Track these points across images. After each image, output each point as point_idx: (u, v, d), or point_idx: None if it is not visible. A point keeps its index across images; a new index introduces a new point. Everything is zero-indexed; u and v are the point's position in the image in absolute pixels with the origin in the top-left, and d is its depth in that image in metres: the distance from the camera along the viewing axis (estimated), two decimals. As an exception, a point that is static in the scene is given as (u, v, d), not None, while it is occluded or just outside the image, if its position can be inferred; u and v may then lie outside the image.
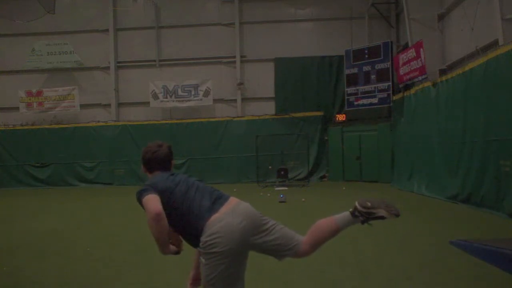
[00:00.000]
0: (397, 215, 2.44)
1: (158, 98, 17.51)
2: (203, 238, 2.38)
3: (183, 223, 2.49)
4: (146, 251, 5.49)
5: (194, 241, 2.46)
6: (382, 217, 2.46)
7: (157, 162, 2.72)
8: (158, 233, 2.34)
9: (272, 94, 17.66)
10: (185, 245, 2.63)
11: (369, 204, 2.46)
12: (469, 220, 7.72)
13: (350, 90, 16.07)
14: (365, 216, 2.47)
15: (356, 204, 2.48)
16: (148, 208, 2.34)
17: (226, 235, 2.35)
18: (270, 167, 16.01)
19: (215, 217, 2.42)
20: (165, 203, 2.48)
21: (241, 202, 2.56)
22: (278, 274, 4.51)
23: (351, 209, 2.51)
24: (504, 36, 8.65)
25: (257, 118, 17.29)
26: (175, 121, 17.40)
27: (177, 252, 2.56)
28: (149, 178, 2.71)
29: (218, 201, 2.53)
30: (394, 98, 14.66)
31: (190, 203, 2.50)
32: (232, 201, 2.55)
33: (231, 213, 2.45)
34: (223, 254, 2.34)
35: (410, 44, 13.04)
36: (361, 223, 2.50)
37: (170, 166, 2.77)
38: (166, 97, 17.49)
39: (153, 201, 2.36)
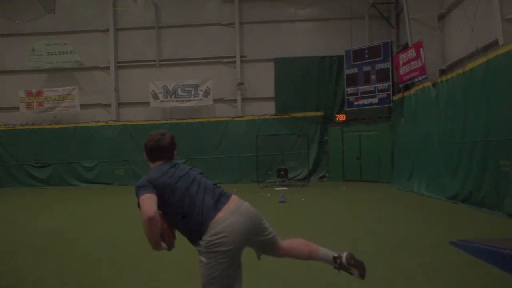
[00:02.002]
0: (362, 279, 2.86)
1: (158, 98, 17.51)
2: (206, 237, 2.38)
3: (183, 220, 2.49)
4: (146, 251, 5.47)
5: (194, 238, 2.47)
6: (352, 274, 2.83)
7: (159, 151, 2.71)
8: (149, 234, 2.37)
9: (272, 94, 17.67)
10: (185, 243, 2.63)
11: (352, 262, 2.81)
12: (469, 220, 7.72)
13: (350, 90, 16.07)
14: (342, 268, 2.82)
15: (343, 257, 2.81)
16: (143, 209, 2.35)
17: (230, 234, 2.37)
18: (270, 172, 16.09)
19: (219, 216, 2.43)
20: (165, 199, 2.48)
21: (242, 202, 2.59)
22: (277, 274, 4.50)
23: (336, 254, 2.82)
24: (504, 36, 8.64)
25: (257, 118, 17.29)
26: (175, 121, 17.39)
27: (168, 249, 2.57)
28: (151, 167, 2.71)
29: (221, 199, 2.53)
30: (394, 98, 14.66)
31: (192, 200, 2.49)
32: (234, 199, 2.57)
33: (234, 213, 2.46)
34: (226, 253, 2.35)
35: (410, 44, 13.04)
36: (334, 267, 2.85)
37: (172, 156, 2.77)
38: (166, 97, 17.49)
39: (148, 203, 2.36)
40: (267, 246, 2.69)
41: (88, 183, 17.46)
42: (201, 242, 2.40)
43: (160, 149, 2.70)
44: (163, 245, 2.50)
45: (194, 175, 2.64)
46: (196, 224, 2.44)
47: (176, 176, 2.56)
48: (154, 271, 4.82)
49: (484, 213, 8.14)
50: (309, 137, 16.45)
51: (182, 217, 2.49)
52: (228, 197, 2.57)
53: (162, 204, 2.46)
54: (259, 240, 2.60)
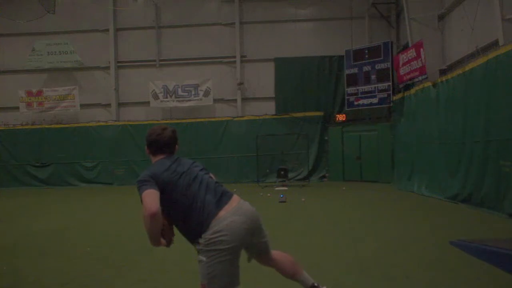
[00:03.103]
0: None
1: (158, 98, 17.51)
2: (207, 235, 2.39)
3: (184, 217, 2.49)
4: (146, 250, 5.48)
5: (194, 236, 2.47)
6: None
7: (161, 145, 2.72)
8: (150, 230, 2.37)
9: (272, 94, 17.67)
10: (185, 243, 2.63)
11: None
12: (469, 220, 7.71)
13: (350, 90, 16.07)
14: None
15: None
16: (145, 205, 2.35)
17: (231, 233, 2.38)
18: (267, 171, 16.12)
19: (220, 214, 2.44)
20: (167, 196, 2.48)
21: (244, 202, 2.61)
22: (277, 274, 4.50)
23: (315, 284, 3.00)
24: (504, 36, 8.63)
25: (257, 118, 17.30)
26: (175, 121, 17.35)
27: (167, 246, 2.57)
28: (152, 161, 2.71)
29: (222, 198, 2.54)
30: (394, 98, 14.66)
31: (194, 197, 2.49)
32: (235, 199, 2.58)
33: (235, 212, 2.48)
34: (226, 251, 2.36)
35: (410, 44, 13.03)
36: None
37: (174, 150, 2.78)
38: (166, 97, 17.49)
39: (151, 199, 2.36)
40: (260, 249, 2.73)
41: (88, 183, 17.46)
42: (201, 240, 2.41)
43: (161, 143, 2.71)
44: (163, 241, 2.51)
45: (196, 171, 2.64)
46: (197, 221, 2.44)
47: (178, 172, 2.56)
48: (154, 271, 4.82)
49: (484, 213, 8.14)
50: (309, 137, 16.45)
51: (183, 214, 2.49)
52: (229, 196, 2.58)
53: (163, 200, 2.45)
54: (256, 241, 2.63)
